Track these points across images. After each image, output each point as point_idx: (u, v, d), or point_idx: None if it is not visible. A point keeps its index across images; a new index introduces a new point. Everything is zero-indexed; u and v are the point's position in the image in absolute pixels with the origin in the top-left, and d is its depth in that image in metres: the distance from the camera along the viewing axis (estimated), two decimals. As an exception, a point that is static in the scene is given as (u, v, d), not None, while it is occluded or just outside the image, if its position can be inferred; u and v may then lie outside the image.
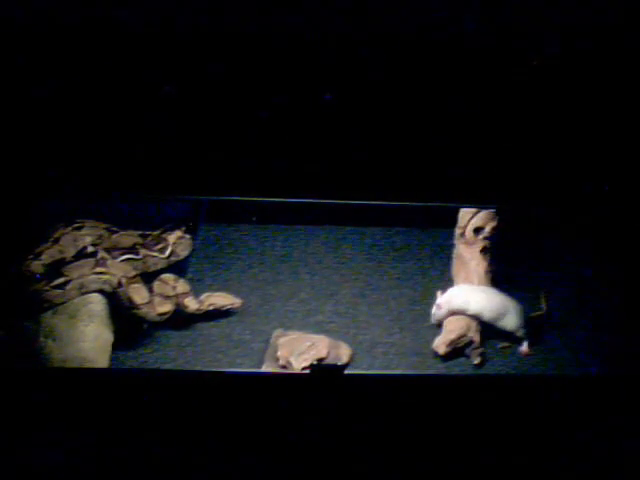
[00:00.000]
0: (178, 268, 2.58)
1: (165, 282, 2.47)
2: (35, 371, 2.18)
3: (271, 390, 2.04)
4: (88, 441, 2.00)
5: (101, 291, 2.38)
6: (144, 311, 2.38)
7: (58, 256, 2.43)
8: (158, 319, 2.41)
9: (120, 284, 2.37)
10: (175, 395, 2.02)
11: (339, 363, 2.30)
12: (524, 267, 2.66)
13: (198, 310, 2.45)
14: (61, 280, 2.35)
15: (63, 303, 2.34)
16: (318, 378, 2.03)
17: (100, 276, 2.37)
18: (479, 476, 2.02)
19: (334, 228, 2.82)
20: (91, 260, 2.39)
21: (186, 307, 2.45)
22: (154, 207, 2.66)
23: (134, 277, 2.41)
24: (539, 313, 2.46)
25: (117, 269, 2.40)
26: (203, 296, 2.48)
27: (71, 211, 2.57)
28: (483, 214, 2.56)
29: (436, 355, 2.38)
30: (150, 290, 2.43)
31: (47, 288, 2.33)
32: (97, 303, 2.36)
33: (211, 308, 2.47)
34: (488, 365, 2.36)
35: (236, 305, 2.48)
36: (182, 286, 2.47)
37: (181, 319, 2.44)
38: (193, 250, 2.66)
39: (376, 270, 2.68)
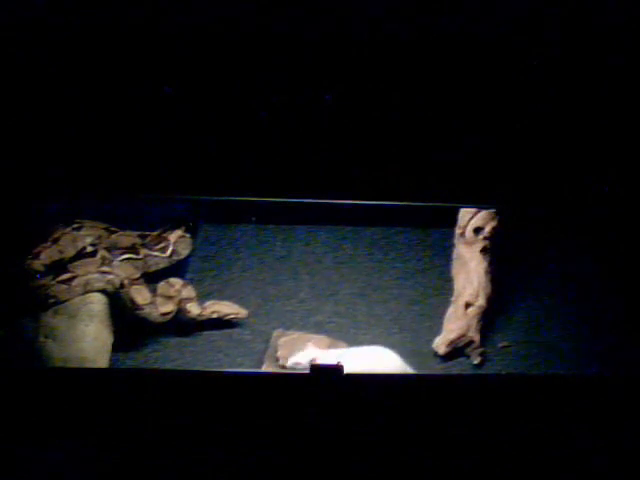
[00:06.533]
0: (178, 268, 2.58)
1: (171, 285, 2.45)
2: (35, 371, 2.18)
3: (271, 390, 2.03)
4: (88, 441, 2.00)
5: (104, 291, 2.38)
6: (147, 311, 2.38)
7: (57, 256, 2.43)
8: (161, 319, 2.40)
9: (122, 285, 2.37)
10: (175, 395, 2.02)
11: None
12: (524, 267, 2.66)
13: (200, 316, 2.43)
14: (67, 275, 2.35)
15: (67, 300, 2.35)
16: (318, 378, 2.02)
17: (105, 275, 2.37)
18: (479, 476, 2.02)
19: (334, 228, 2.81)
20: (97, 259, 2.39)
21: (188, 312, 2.43)
22: (154, 207, 2.66)
23: (137, 279, 2.40)
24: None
25: (121, 270, 2.40)
26: (207, 303, 2.46)
27: (71, 211, 2.57)
28: (483, 214, 2.56)
29: (436, 355, 2.38)
30: (153, 291, 2.42)
31: (53, 283, 2.33)
32: (97, 303, 2.36)
33: (214, 316, 2.44)
34: (488, 365, 2.36)
35: (241, 315, 2.45)
36: (188, 292, 2.45)
37: (182, 323, 2.43)
38: (193, 250, 2.65)
39: (376, 270, 2.67)
